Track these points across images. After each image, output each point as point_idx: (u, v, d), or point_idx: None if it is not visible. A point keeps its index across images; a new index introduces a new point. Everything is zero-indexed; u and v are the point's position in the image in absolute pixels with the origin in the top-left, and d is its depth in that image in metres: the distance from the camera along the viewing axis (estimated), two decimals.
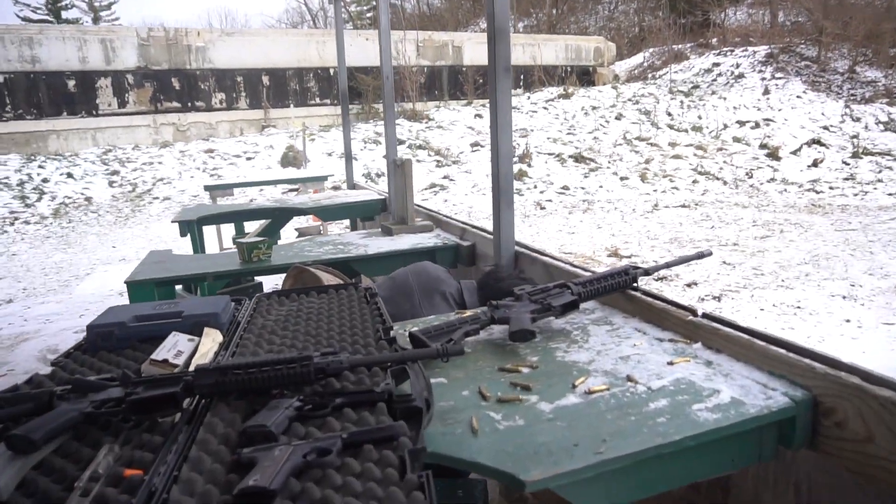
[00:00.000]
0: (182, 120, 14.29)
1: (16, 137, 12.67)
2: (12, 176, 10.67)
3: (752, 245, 7.06)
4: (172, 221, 3.94)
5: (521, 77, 18.79)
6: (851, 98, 14.58)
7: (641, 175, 10.95)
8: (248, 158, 12.27)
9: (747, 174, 11.19)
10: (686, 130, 13.51)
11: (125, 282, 2.41)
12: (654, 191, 10.33)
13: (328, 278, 2.66)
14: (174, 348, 1.38)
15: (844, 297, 5.24)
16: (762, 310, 5.04)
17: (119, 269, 6.77)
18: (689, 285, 5.78)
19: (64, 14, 31.19)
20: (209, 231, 5.23)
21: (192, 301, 1.58)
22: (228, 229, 5.80)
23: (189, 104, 14.40)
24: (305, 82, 15.75)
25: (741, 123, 13.62)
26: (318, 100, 15.92)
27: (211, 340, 1.43)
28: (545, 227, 8.40)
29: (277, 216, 4.45)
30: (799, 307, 5.06)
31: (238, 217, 4.59)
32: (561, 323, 1.62)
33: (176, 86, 14.21)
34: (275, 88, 15.38)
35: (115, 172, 11.18)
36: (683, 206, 9.26)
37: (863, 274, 5.85)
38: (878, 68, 15.69)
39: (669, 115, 14.37)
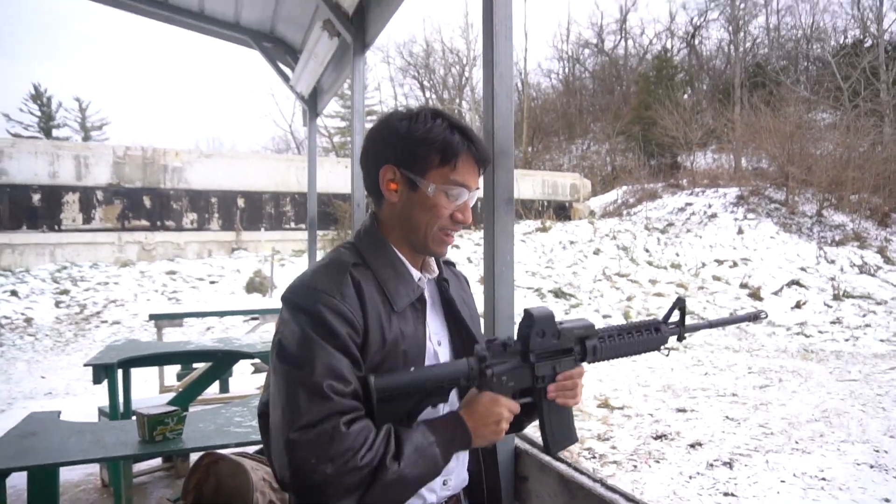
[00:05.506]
0: (149, 239, 13.76)
1: None
2: None
3: (753, 396, 6.46)
4: (85, 365, 3.24)
5: None
6: (822, 240, 14.78)
7: (625, 313, 10.53)
8: (213, 282, 11.62)
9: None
10: (665, 267, 13.37)
11: None
12: None
13: (252, 467, 1.97)
14: None
15: (872, 467, 4.59)
16: (783, 482, 4.34)
17: (40, 405, 5.85)
18: (693, 446, 5.08)
19: (55, 133, 31.48)
20: (145, 371, 4.48)
21: None
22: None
23: (158, 223, 13.95)
24: (281, 206, 15.52)
25: (719, 262, 13.55)
26: (293, 224, 15.61)
27: None
28: None
29: (220, 359, 3.75)
30: (824, 479, 4.38)
31: (170, 359, 3.88)
32: None
33: (147, 204, 13.83)
34: (249, 211, 15.08)
35: (65, 292, 10.39)
36: (672, 348, 8.73)
37: (883, 436, 5.25)
38: (843, 213, 16.14)
39: (647, 251, 14.31)
